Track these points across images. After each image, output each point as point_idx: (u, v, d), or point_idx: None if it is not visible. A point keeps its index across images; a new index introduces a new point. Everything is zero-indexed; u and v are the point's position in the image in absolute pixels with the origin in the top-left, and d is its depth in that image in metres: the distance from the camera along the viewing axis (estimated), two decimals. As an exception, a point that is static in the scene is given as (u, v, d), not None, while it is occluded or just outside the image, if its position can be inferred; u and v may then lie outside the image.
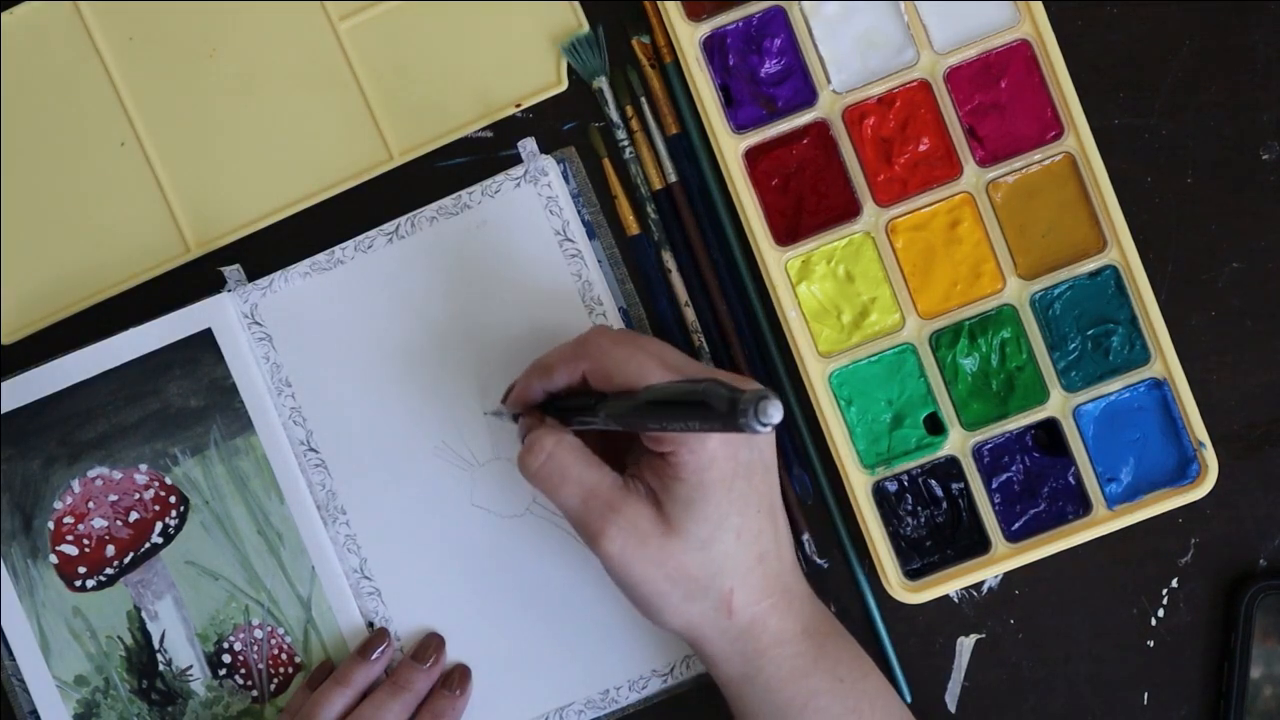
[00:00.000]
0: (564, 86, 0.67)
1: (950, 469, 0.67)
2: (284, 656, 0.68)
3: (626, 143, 0.67)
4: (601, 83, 0.67)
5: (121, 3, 0.68)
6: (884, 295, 0.67)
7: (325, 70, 0.67)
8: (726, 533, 0.58)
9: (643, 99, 0.67)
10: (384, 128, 0.68)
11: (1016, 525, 0.67)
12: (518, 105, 0.67)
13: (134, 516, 0.68)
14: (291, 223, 0.68)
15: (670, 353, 0.59)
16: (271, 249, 0.68)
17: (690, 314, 0.67)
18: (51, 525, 0.68)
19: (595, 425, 0.58)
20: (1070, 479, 0.66)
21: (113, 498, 0.68)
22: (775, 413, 0.48)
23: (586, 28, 0.67)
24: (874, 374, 0.67)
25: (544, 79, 0.67)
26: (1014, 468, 0.67)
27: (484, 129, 0.68)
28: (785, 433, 0.67)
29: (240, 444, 0.68)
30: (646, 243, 0.67)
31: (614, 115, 0.67)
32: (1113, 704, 0.67)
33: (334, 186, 0.68)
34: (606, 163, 0.67)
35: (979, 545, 0.67)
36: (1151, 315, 0.66)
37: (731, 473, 0.58)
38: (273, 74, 0.68)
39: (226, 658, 0.68)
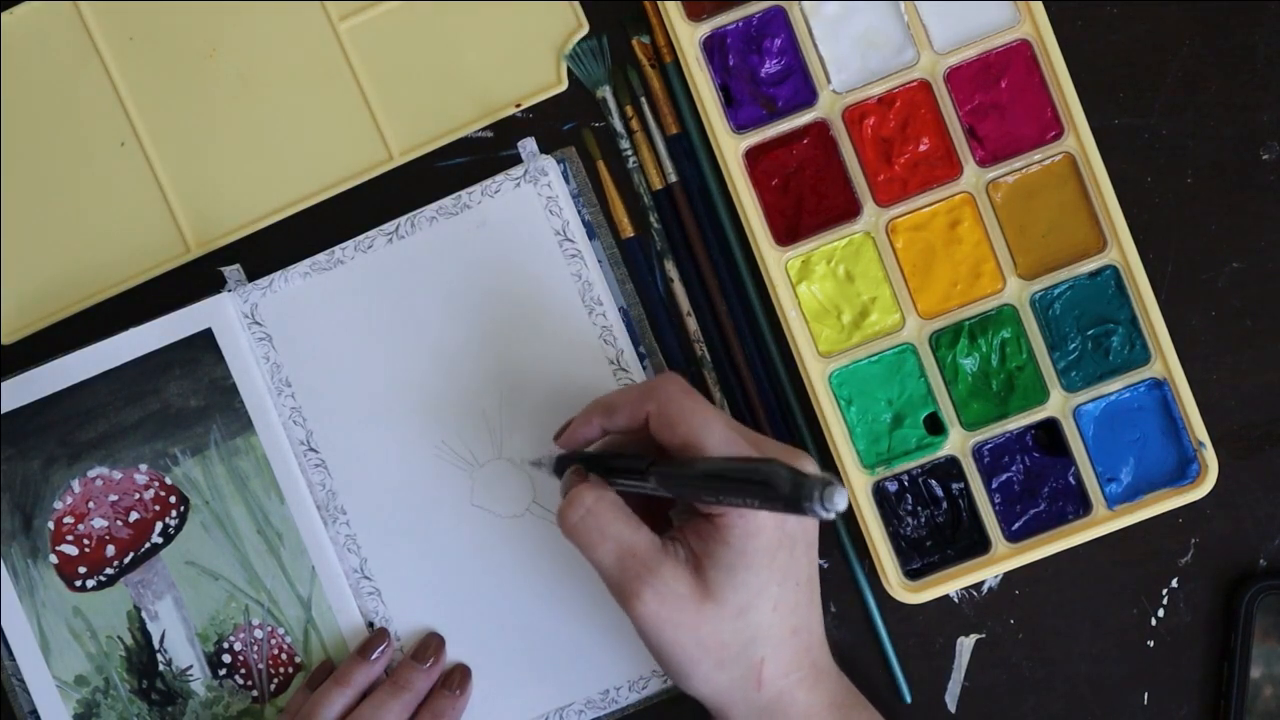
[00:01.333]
0: (564, 86, 0.67)
1: (950, 469, 0.67)
2: (284, 656, 0.68)
3: (630, 152, 0.67)
4: (605, 92, 0.67)
5: (121, 3, 0.68)
6: (884, 295, 0.67)
7: (325, 70, 0.67)
8: (765, 602, 0.57)
9: (643, 99, 0.67)
10: (384, 128, 0.68)
11: (1016, 525, 0.67)
12: (518, 105, 0.67)
13: (134, 516, 0.68)
14: (291, 223, 0.68)
15: (731, 419, 0.59)
16: (271, 249, 0.68)
17: (693, 323, 0.67)
18: (51, 525, 0.68)
19: (643, 489, 0.58)
20: (1070, 479, 0.66)
21: (113, 498, 0.68)
22: (840, 500, 0.48)
23: (586, 28, 0.67)
24: (874, 374, 0.67)
25: (544, 79, 0.67)
26: (1014, 468, 0.67)
27: (484, 129, 0.68)
28: (786, 432, 0.67)
29: (240, 444, 0.68)
30: (640, 246, 0.67)
31: (617, 125, 0.67)
32: (1113, 704, 0.67)
33: (334, 186, 0.68)
34: (601, 165, 0.67)
35: (979, 545, 0.67)
36: (1151, 315, 0.66)
37: (777, 543, 0.57)
38: (273, 74, 0.68)
39: (226, 658, 0.68)
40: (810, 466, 0.58)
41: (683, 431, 0.57)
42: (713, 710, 0.60)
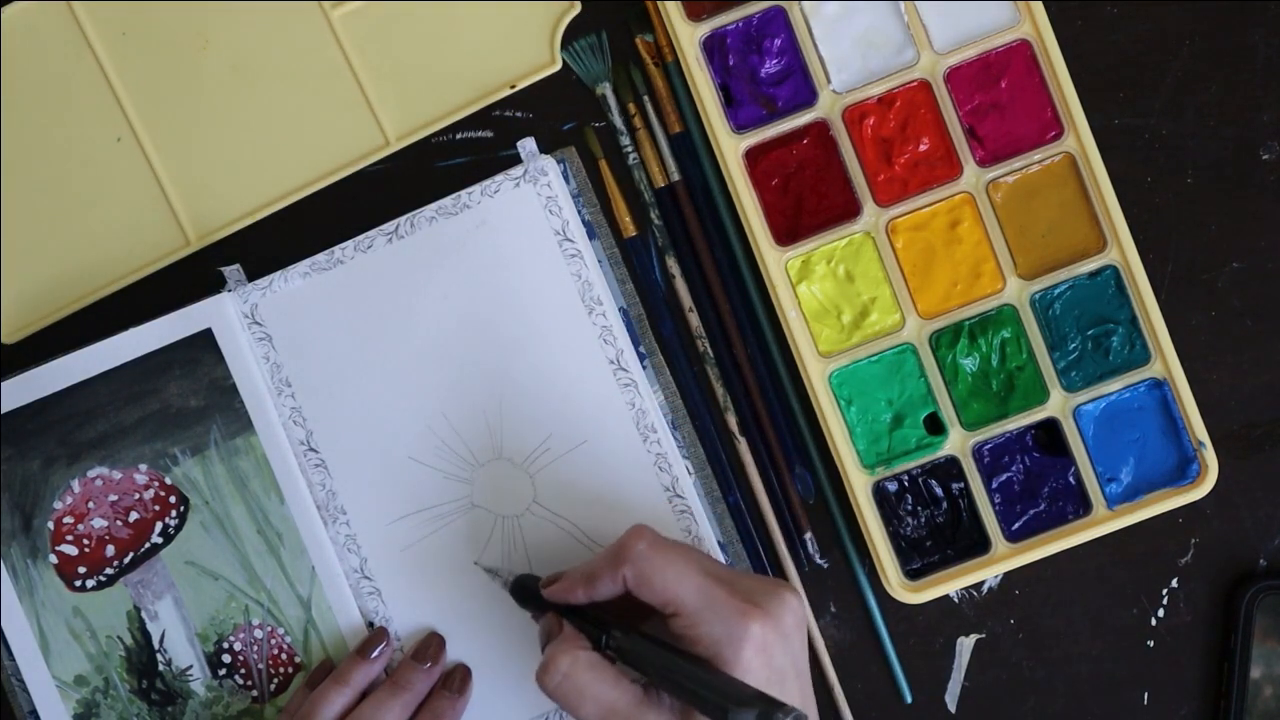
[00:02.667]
0: (558, 66, 0.67)
1: (950, 469, 0.67)
2: (284, 656, 0.68)
3: (631, 149, 0.67)
4: (605, 89, 0.67)
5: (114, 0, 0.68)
6: (884, 295, 0.67)
7: (319, 58, 0.68)
8: None
9: (645, 97, 0.67)
10: (379, 113, 0.68)
11: (1016, 525, 0.67)
12: (512, 86, 0.67)
13: (134, 516, 0.68)
14: (291, 219, 0.68)
15: (706, 559, 0.59)
16: (271, 247, 0.68)
17: (695, 319, 0.67)
18: (51, 525, 0.68)
19: (600, 650, 0.59)
20: (1070, 479, 0.66)
21: (113, 498, 0.68)
22: None
23: (579, 7, 0.67)
24: (874, 374, 0.67)
25: (538, 59, 0.67)
26: (1014, 468, 0.67)
27: (484, 129, 0.68)
28: (786, 432, 0.67)
29: (240, 444, 0.68)
30: (642, 244, 0.67)
31: (618, 121, 0.67)
32: (1113, 704, 0.67)
33: (332, 174, 0.68)
34: (603, 164, 0.67)
35: (979, 545, 0.67)
36: (1151, 315, 0.66)
37: (765, 680, 0.57)
38: (267, 63, 0.68)
39: (226, 658, 0.68)
40: (790, 615, 0.58)
41: (659, 590, 0.58)
42: None
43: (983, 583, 0.67)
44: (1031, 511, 0.67)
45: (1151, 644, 0.67)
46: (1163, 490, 0.66)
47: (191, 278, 0.68)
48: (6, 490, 0.68)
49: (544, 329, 0.67)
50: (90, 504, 0.68)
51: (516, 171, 0.67)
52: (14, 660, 0.68)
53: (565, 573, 0.62)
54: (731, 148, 0.66)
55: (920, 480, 0.67)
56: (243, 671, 0.68)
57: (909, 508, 0.67)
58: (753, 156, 0.67)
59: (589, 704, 0.58)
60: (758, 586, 0.59)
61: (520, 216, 0.67)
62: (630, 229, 0.67)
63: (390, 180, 0.68)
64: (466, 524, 0.68)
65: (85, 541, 0.68)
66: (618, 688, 0.58)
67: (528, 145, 0.67)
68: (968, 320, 0.67)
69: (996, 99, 0.66)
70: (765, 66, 0.66)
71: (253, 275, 0.68)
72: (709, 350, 0.67)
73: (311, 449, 0.68)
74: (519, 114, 0.68)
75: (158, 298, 0.68)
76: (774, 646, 0.57)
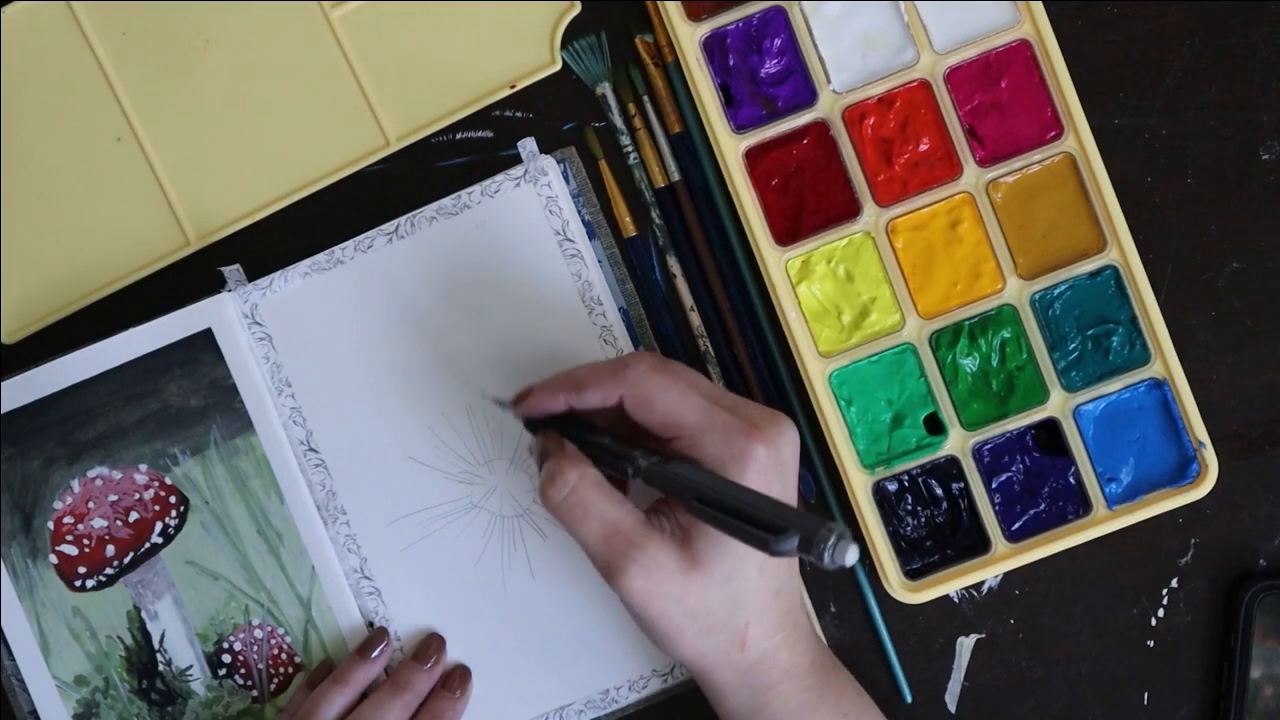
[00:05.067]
0: (558, 66, 0.67)
1: (950, 469, 0.67)
2: (284, 656, 0.68)
3: (630, 148, 0.67)
4: (605, 89, 0.67)
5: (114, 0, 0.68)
6: (884, 295, 0.67)
7: (319, 58, 0.68)
8: (750, 567, 0.58)
9: (645, 97, 0.67)
10: (379, 113, 0.68)
11: (1016, 525, 0.67)
12: (512, 86, 0.67)
13: (134, 516, 0.68)
14: (291, 219, 0.68)
15: (705, 383, 0.59)
16: (271, 247, 0.68)
17: (695, 319, 0.67)
18: (51, 525, 0.68)
19: (624, 477, 0.58)
20: (1070, 479, 0.66)
21: (113, 498, 0.68)
22: (852, 555, 0.49)
23: (579, 7, 0.67)
24: (874, 374, 0.67)
25: (537, 59, 0.67)
26: (1014, 468, 0.67)
27: (484, 129, 0.68)
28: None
29: (240, 444, 0.68)
30: (642, 244, 0.67)
31: (618, 121, 0.67)
32: (1113, 704, 0.67)
33: (332, 174, 0.68)
34: (603, 164, 0.67)
35: (979, 545, 0.67)
36: (1151, 315, 0.66)
37: None
38: (266, 63, 0.68)
39: (226, 658, 0.68)
40: (789, 445, 0.57)
41: (660, 411, 0.57)
42: (695, 673, 0.60)
43: (983, 583, 0.68)
44: (1031, 511, 0.67)
45: (1151, 644, 0.67)
46: (1163, 490, 0.66)
47: (191, 278, 0.68)
48: (6, 490, 0.68)
49: (544, 329, 0.67)
50: (90, 504, 0.68)
51: (516, 171, 0.67)
52: (14, 660, 0.68)
53: (546, 381, 0.60)
54: (731, 148, 0.66)
55: (920, 480, 0.67)
56: (243, 671, 0.68)
57: (909, 508, 0.67)
58: (753, 156, 0.67)
59: (593, 521, 0.57)
60: (759, 413, 0.58)
61: (520, 216, 0.67)
62: (630, 229, 0.68)
63: (390, 180, 0.68)
64: (466, 524, 0.68)
65: (85, 541, 0.68)
66: (622, 506, 0.58)
67: (528, 145, 0.67)
68: (968, 320, 0.67)
69: (996, 99, 0.66)
70: (765, 66, 0.66)
71: (253, 275, 0.68)
72: (709, 350, 0.67)
73: (311, 449, 0.68)
74: (519, 114, 0.68)
75: (158, 298, 0.68)
76: (772, 472, 0.57)
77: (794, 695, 0.60)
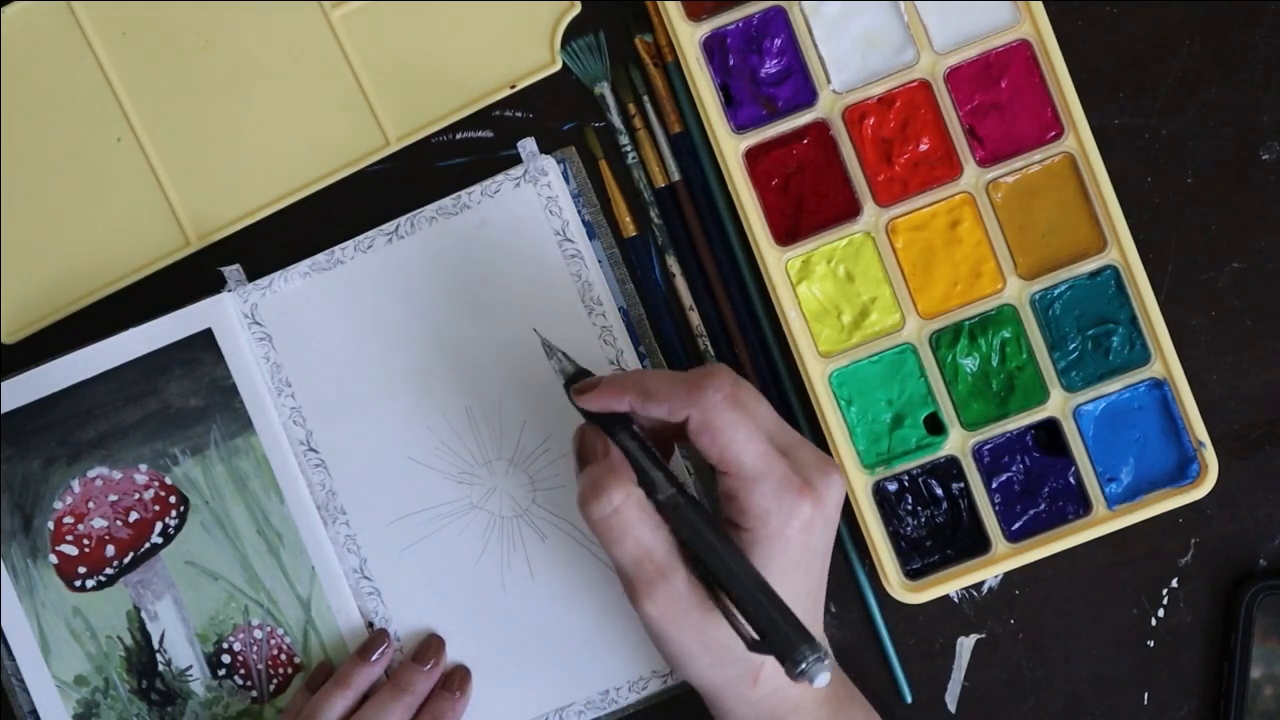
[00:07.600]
0: (558, 66, 0.67)
1: (950, 469, 0.67)
2: (283, 657, 0.68)
3: (629, 148, 0.67)
4: (603, 88, 0.67)
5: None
6: (884, 295, 0.67)
7: (319, 58, 0.68)
8: None
9: (645, 97, 0.67)
10: (379, 113, 0.68)
11: (1016, 525, 0.67)
12: (512, 86, 0.67)
13: (134, 516, 0.68)
14: (291, 219, 0.68)
15: (773, 420, 0.58)
16: (271, 247, 0.68)
17: (695, 318, 0.67)
18: (51, 525, 0.68)
19: (655, 498, 0.58)
20: (1070, 479, 0.66)
21: (113, 498, 0.68)
22: (823, 679, 0.53)
23: (579, 7, 0.67)
24: (874, 374, 0.67)
25: (538, 59, 0.67)
26: (1014, 468, 0.67)
27: (484, 129, 0.68)
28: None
29: (240, 444, 0.68)
30: (642, 244, 0.67)
31: (616, 121, 0.67)
32: (1113, 704, 0.67)
33: (332, 174, 0.68)
34: (603, 164, 0.67)
35: (979, 545, 0.67)
36: (1151, 315, 0.66)
37: (799, 559, 0.57)
38: (267, 63, 0.68)
39: (226, 658, 0.68)
40: (835, 498, 0.59)
41: (722, 447, 0.57)
42: (704, 697, 0.60)
43: (983, 583, 0.67)
44: (1031, 511, 0.67)
45: (1151, 644, 0.67)
46: (1163, 490, 0.66)
47: (191, 278, 0.68)
48: (6, 490, 0.68)
49: (544, 329, 0.67)
50: (90, 504, 0.68)
51: (516, 171, 0.67)
52: (14, 660, 0.68)
53: (613, 378, 0.59)
54: (731, 148, 0.66)
55: (920, 480, 0.67)
56: (242, 672, 0.68)
57: (909, 508, 0.67)
58: (753, 156, 0.67)
59: (629, 543, 0.57)
60: (812, 461, 0.58)
61: (520, 216, 0.67)
62: (630, 229, 0.68)
63: (390, 180, 0.68)
64: (466, 524, 0.68)
65: (85, 541, 0.68)
66: (658, 533, 0.57)
67: (528, 145, 0.67)
68: (968, 320, 0.67)
69: (996, 99, 0.66)
70: (765, 66, 0.66)
71: (253, 275, 0.68)
72: (709, 350, 0.67)
73: (311, 449, 0.68)
74: (519, 114, 0.68)
75: (158, 298, 0.68)
76: (816, 527, 0.57)
77: None
